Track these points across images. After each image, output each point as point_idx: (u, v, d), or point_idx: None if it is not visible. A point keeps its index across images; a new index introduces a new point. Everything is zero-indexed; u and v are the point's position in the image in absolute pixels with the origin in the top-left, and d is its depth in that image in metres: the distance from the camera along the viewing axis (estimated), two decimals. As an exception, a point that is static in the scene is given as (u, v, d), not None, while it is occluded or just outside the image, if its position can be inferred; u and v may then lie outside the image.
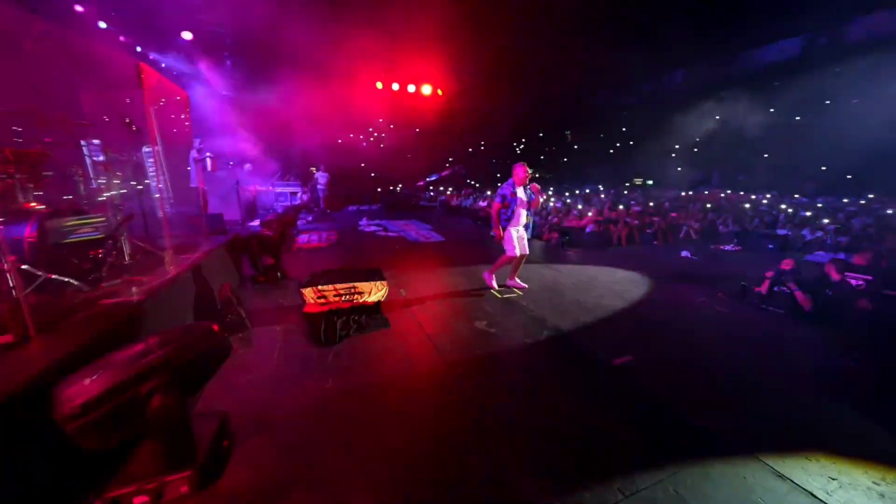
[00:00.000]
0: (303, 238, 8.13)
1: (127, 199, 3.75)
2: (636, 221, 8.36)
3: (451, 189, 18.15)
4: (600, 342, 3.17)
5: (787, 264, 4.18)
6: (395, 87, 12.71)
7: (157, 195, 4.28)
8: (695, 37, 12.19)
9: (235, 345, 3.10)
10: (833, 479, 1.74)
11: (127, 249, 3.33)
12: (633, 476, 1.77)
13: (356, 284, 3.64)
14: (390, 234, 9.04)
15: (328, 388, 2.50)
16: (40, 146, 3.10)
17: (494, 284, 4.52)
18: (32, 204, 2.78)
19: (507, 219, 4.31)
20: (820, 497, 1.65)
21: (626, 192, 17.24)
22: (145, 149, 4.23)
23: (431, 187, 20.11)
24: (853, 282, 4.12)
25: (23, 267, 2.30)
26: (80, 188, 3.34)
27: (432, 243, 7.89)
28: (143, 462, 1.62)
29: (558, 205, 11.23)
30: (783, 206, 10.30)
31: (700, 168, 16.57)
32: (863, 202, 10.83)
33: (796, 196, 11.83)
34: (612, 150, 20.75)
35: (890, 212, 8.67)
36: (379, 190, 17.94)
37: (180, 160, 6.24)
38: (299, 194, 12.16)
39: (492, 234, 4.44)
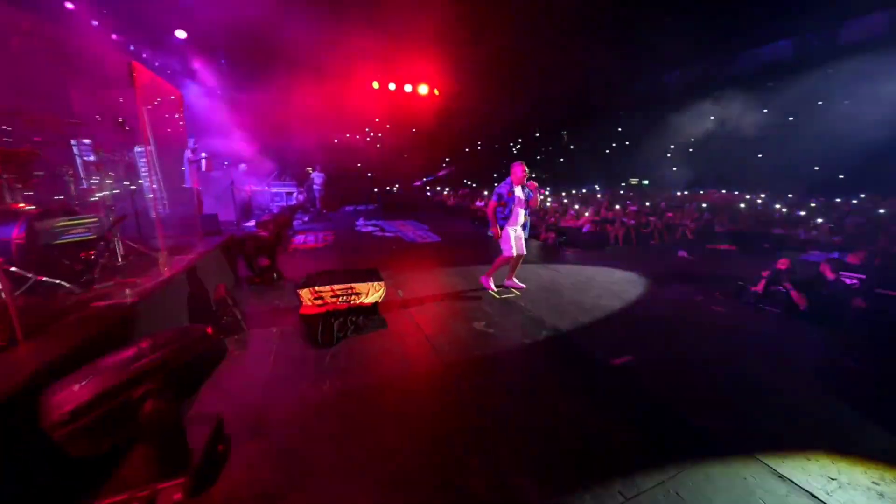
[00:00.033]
0: (299, 238, 8.07)
1: (119, 199, 3.69)
2: (633, 221, 8.39)
3: (447, 189, 18.14)
4: (599, 342, 3.17)
5: (783, 264, 4.21)
6: (392, 86, 12.67)
7: (150, 195, 4.22)
8: (690, 38, 12.27)
9: (231, 347, 3.05)
10: (833, 479, 1.74)
11: (120, 251, 3.27)
12: (633, 478, 1.75)
13: (353, 285, 3.61)
14: (387, 234, 9.00)
15: (325, 391, 2.47)
16: (29, 145, 3.03)
17: (493, 286, 4.49)
18: (21, 204, 2.72)
19: (505, 218, 4.28)
20: (820, 498, 1.65)
21: (622, 191, 17.33)
22: (137, 148, 4.17)
23: (428, 187, 20.09)
24: (847, 281, 4.16)
25: (11, 269, 2.24)
26: (71, 188, 3.27)
27: (429, 243, 7.87)
28: (135, 468, 1.58)
29: (555, 205, 11.25)
30: (777, 206, 10.39)
31: (695, 168, 16.69)
32: (855, 202, 10.96)
33: (790, 195, 11.95)
34: (608, 150, 20.84)
35: (882, 211, 8.77)
36: (376, 190, 17.89)
37: (174, 160, 6.17)
38: (295, 194, 12.08)
39: (489, 233, 4.41)
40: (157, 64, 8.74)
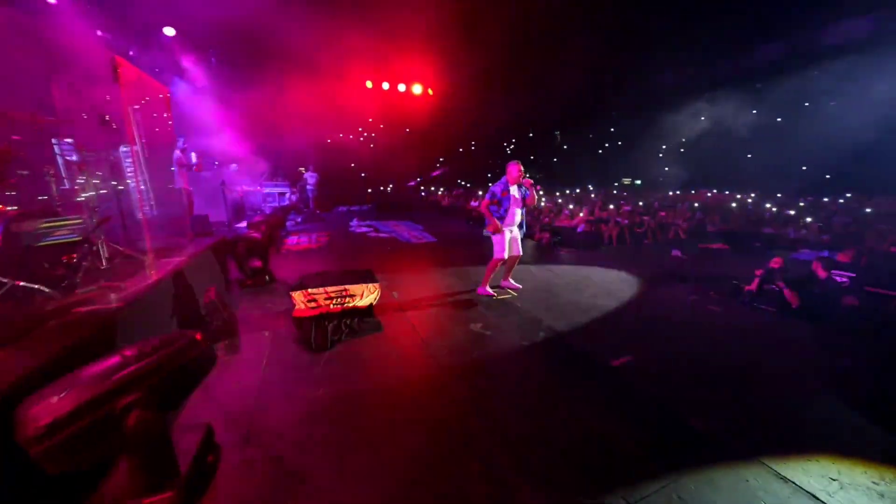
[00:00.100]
0: (292, 240, 7.96)
1: (104, 200, 3.57)
2: (626, 221, 8.44)
3: (442, 189, 18.10)
4: (597, 343, 3.15)
5: (776, 263, 4.25)
6: (386, 86, 12.59)
7: (137, 196, 4.10)
8: (683, 39, 12.41)
9: (221, 352, 2.98)
10: (834, 480, 1.74)
11: (104, 253, 3.16)
12: (635, 481, 1.73)
13: (347, 287, 3.54)
14: (382, 234, 8.93)
15: (319, 397, 2.40)
16: (6, 144, 2.91)
17: (490, 291, 4.38)
18: (-1, 206, 2.61)
19: (500, 217, 4.23)
20: (822, 499, 1.64)
21: (615, 191, 17.46)
22: (123, 148, 4.04)
23: (423, 187, 20.02)
24: (838, 279, 4.21)
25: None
26: (53, 188, 3.15)
27: (424, 244, 7.81)
28: (119, 483, 1.50)
29: (549, 205, 11.28)
30: (768, 206, 10.55)
31: (687, 168, 16.89)
32: (841, 201, 11.18)
33: (779, 195, 12.15)
34: (601, 151, 21.01)
35: (868, 210, 8.96)
36: (369, 190, 17.77)
37: (163, 160, 6.03)
38: (288, 195, 11.92)
39: (485, 233, 4.35)
40: (144, 61, 8.54)
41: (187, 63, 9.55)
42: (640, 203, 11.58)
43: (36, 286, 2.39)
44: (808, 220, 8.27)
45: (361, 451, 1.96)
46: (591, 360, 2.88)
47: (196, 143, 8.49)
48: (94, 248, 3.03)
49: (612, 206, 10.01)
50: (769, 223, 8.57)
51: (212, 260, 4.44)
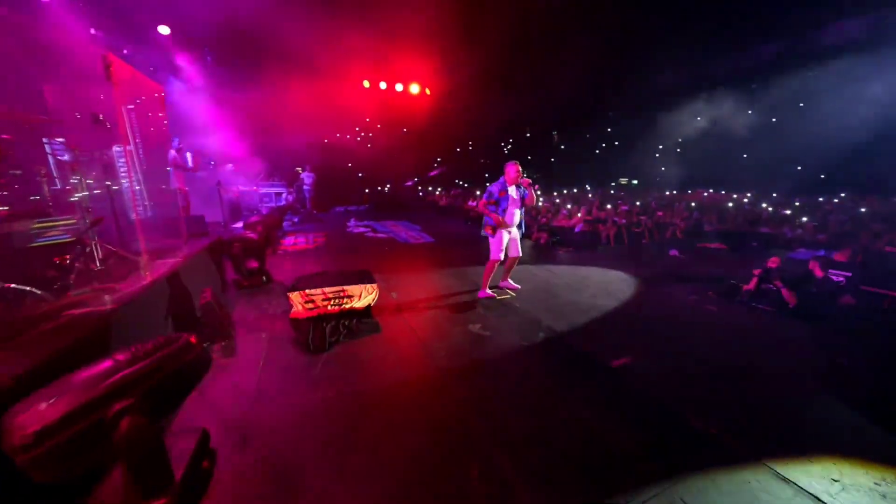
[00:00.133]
0: (289, 240, 7.91)
1: (98, 200, 3.52)
2: (624, 221, 8.45)
3: (439, 189, 18.07)
4: (596, 344, 3.13)
5: (773, 262, 4.25)
6: (383, 85, 12.54)
7: (131, 196, 4.04)
8: (679, 39, 12.45)
9: (217, 354, 2.94)
10: (836, 481, 1.73)
11: (98, 254, 3.11)
12: (638, 484, 1.71)
13: (345, 288, 3.50)
14: (379, 235, 8.89)
15: (317, 400, 2.37)
16: (-4, 143, 2.86)
17: (490, 293, 4.33)
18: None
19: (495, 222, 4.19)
20: (824, 500, 1.63)
21: (612, 191, 17.51)
22: (116, 148, 3.99)
23: (420, 187, 19.98)
24: (835, 278, 4.23)
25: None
26: (45, 189, 3.10)
27: (422, 244, 7.79)
28: (111, 491, 1.47)
29: (547, 205, 11.28)
30: (764, 205, 10.61)
31: (683, 167, 16.97)
32: (836, 200, 11.26)
33: (774, 195, 12.23)
34: (597, 151, 21.05)
35: (863, 210, 9.02)
36: (367, 190, 17.71)
37: (158, 160, 5.96)
38: (284, 195, 11.86)
39: (483, 233, 4.31)
40: (139, 60, 8.45)
41: (182, 62, 9.47)
42: (638, 203, 11.61)
43: (27, 288, 2.34)
44: (804, 219, 8.32)
45: (361, 452, 1.93)
46: (591, 361, 2.87)
47: (192, 142, 8.43)
48: (88, 249, 2.97)
49: (609, 206, 10.02)
50: (766, 223, 8.61)
51: (208, 261, 4.39)
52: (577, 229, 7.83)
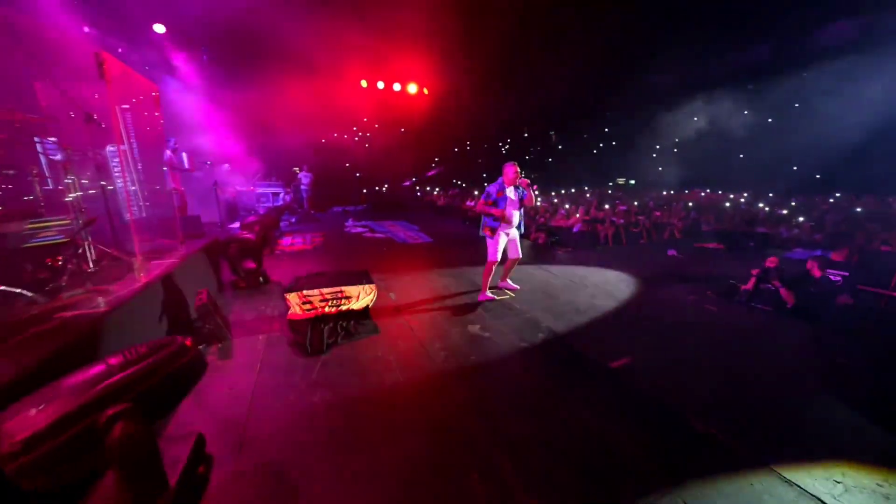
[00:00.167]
0: (286, 240, 7.86)
1: (91, 200, 3.46)
2: (622, 220, 8.46)
3: (437, 189, 18.05)
4: (596, 344, 3.12)
5: (771, 262, 4.26)
6: (381, 85, 12.50)
7: (125, 196, 3.99)
8: (676, 39, 12.50)
9: (214, 356, 2.90)
10: (838, 483, 1.72)
11: (91, 255, 3.06)
12: (640, 488, 1.69)
13: (343, 288, 3.48)
14: (377, 235, 8.85)
15: (315, 403, 2.34)
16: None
17: (490, 295, 4.28)
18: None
19: (496, 219, 4.18)
20: (827, 502, 1.62)
21: (610, 191, 17.55)
22: (110, 147, 3.93)
23: (418, 187, 19.95)
24: (833, 278, 4.24)
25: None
26: (36, 189, 3.04)
27: (421, 244, 7.76)
28: (104, 498, 1.43)
29: (545, 205, 11.28)
30: (761, 205, 10.66)
31: (681, 167, 17.04)
32: (831, 200, 11.34)
33: (770, 195, 12.30)
34: (595, 151, 21.10)
35: (859, 210, 9.08)
36: (364, 190, 17.66)
37: (153, 160, 5.90)
38: (282, 195, 11.79)
39: (481, 233, 4.27)
40: (134, 59, 8.37)
41: (178, 61, 9.38)
42: (636, 203, 11.63)
43: (18, 290, 2.30)
44: (801, 219, 8.36)
45: (360, 453, 1.91)
46: (591, 361, 2.86)
47: (188, 142, 8.36)
48: (81, 250, 2.93)
49: (607, 206, 10.03)
50: (762, 222, 8.65)
51: (204, 261, 4.35)
52: (575, 229, 7.83)
